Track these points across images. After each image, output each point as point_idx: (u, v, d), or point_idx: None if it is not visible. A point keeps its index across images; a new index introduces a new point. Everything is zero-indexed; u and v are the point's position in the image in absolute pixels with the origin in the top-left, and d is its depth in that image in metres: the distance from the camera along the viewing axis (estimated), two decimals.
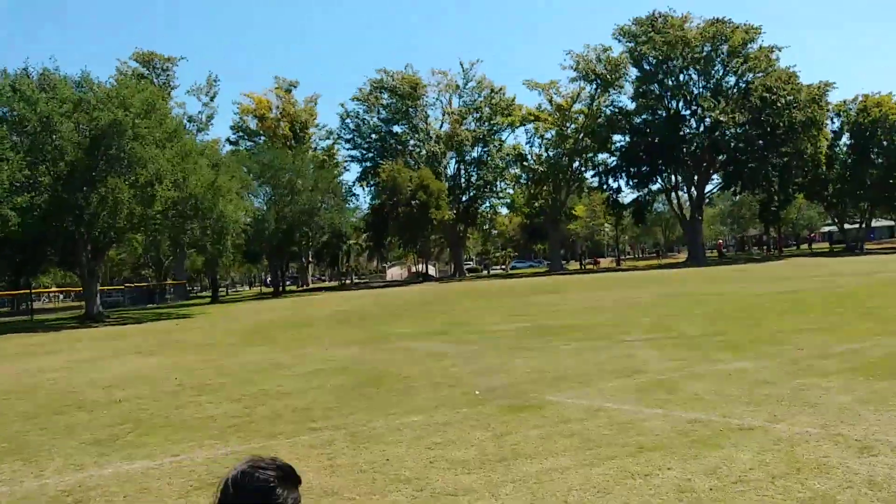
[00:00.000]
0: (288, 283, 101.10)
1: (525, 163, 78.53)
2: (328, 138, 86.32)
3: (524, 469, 6.53)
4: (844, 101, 71.26)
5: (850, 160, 69.15)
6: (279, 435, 8.68)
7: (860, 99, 69.47)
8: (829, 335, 13.94)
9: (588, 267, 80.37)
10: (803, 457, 6.21)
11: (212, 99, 78.18)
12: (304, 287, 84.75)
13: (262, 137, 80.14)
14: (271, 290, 75.70)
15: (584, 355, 13.62)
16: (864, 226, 75.16)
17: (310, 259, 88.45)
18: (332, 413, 9.81)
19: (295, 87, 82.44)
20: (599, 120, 74.12)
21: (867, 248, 71.26)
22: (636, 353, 13.50)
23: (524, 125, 78.83)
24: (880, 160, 66.90)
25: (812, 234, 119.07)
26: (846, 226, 76.66)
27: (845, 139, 71.33)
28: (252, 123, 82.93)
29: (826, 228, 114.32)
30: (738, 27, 67.16)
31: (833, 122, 71.59)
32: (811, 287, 27.54)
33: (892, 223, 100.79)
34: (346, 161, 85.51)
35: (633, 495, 5.70)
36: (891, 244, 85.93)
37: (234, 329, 27.57)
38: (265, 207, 65.25)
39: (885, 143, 66.61)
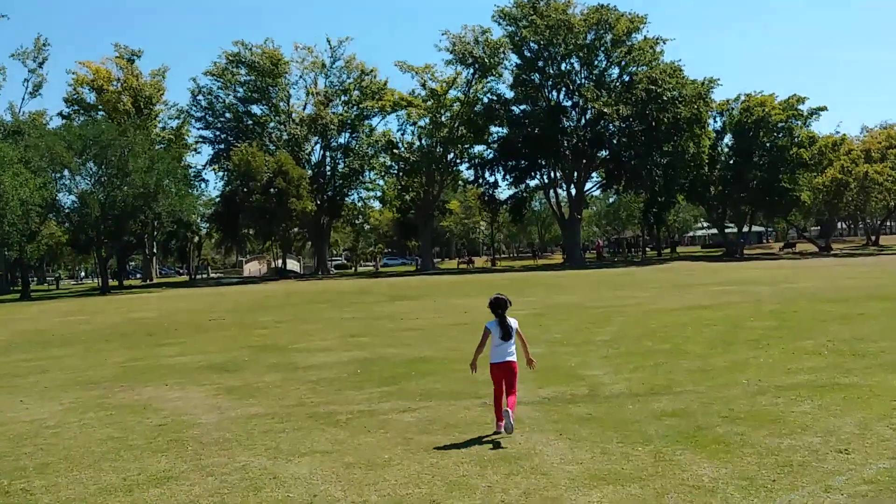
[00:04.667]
0: (137, 276, 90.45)
1: (395, 150, 71.89)
2: (178, 117, 76.74)
3: None
4: (727, 101, 68.32)
5: (732, 161, 66.27)
6: None
7: (743, 98, 66.74)
8: (856, 405, 8.05)
9: (462, 266, 74.70)
10: None
11: (40, 65, 67.86)
12: (148, 282, 74.78)
13: (102, 112, 70.01)
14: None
15: (425, 450, 7.14)
16: (745, 230, 72.84)
17: (153, 251, 78.48)
18: None
19: (138, 56, 72.63)
20: (476, 108, 68.42)
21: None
22: (524, 452, 7.15)
23: (396, 111, 72.12)
24: (762, 162, 64.27)
25: (683, 238, 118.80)
26: (726, 230, 74.24)
27: (728, 139, 68.48)
28: (90, 97, 72.60)
29: (699, 232, 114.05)
30: (622, 15, 62.89)
31: (715, 122, 68.59)
32: (729, 300, 22.29)
33: (761, 228, 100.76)
34: (197, 143, 76.32)
35: None
36: (762, 249, 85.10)
37: None
38: (91, 189, 55.89)
39: (767, 144, 63.99)
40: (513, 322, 7.69)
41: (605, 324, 17.72)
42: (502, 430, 7.43)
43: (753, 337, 14.27)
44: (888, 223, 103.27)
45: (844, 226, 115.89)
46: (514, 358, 7.63)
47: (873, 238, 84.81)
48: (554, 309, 22.55)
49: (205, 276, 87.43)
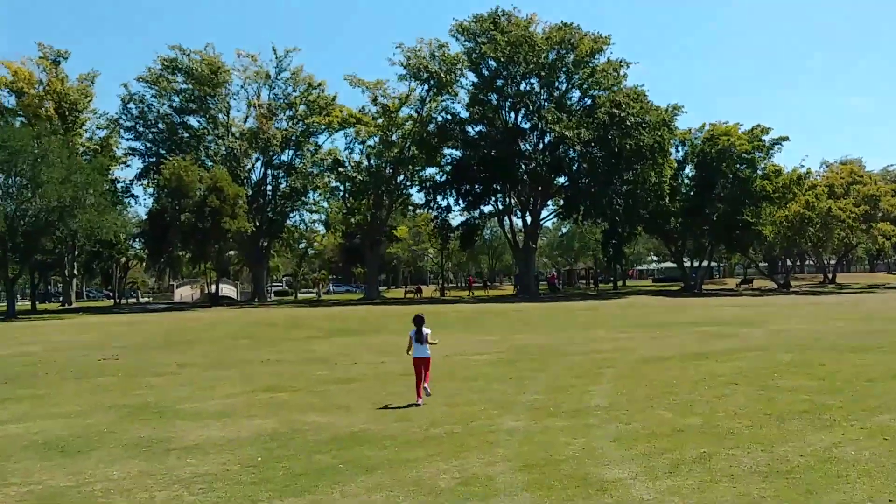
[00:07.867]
0: (60, 299, 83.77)
1: (342, 170, 67.45)
2: (108, 127, 70.94)
3: None
4: (690, 130, 65.60)
5: (693, 192, 63.36)
6: None
7: (707, 128, 64.07)
8: None
9: (409, 296, 70.31)
10: None
11: None
12: (67, 306, 68.44)
13: (22, 118, 64.22)
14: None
15: None
16: (704, 264, 69.82)
17: (74, 272, 72.25)
18: None
19: (65, 58, 66.73)
20: (430, 127, 64.55)
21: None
22: None
23: (344, 128, 67.83)
24: (724, 194, 61.45)
25: (630, 271, 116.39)
26: (684, 264, 71.18)
27: (689, 170, 65.63)
28: (9, 100, 66.48)
29: (651, 265, 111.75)
30: (585, 35, 60.00)
31: (678, 151, 65.64)
32: (727, 347, 18.52)
33: (714, 263, 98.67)
34: (126, 156, 70.69)
35: None
36: (716, 285, 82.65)
37: None
38: None
39: (730, 175, 61.22)
40: (427, 330, 11.62)
41: (593, 379, 13.80)
42: (420, 402, 10.88)
43: (802, 407, 10.50)
44: (842, 261, 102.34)
45: (790, 262, 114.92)
46: (428, 354, 11.54)
47: (830, 276, 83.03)
48: (522, 353, 18.59)
49: (133, 300, 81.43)
